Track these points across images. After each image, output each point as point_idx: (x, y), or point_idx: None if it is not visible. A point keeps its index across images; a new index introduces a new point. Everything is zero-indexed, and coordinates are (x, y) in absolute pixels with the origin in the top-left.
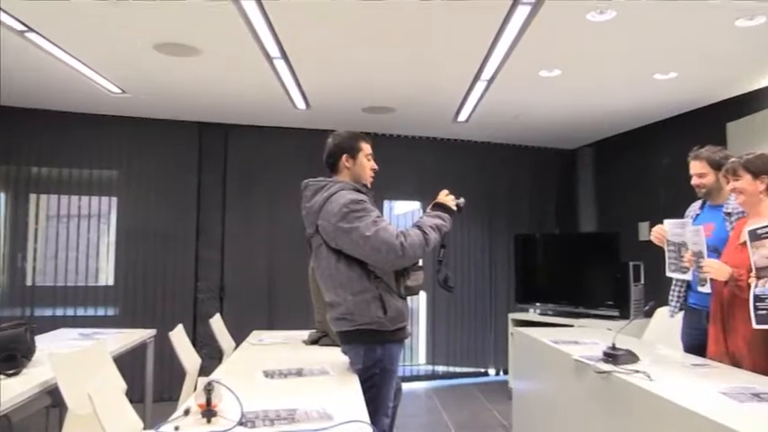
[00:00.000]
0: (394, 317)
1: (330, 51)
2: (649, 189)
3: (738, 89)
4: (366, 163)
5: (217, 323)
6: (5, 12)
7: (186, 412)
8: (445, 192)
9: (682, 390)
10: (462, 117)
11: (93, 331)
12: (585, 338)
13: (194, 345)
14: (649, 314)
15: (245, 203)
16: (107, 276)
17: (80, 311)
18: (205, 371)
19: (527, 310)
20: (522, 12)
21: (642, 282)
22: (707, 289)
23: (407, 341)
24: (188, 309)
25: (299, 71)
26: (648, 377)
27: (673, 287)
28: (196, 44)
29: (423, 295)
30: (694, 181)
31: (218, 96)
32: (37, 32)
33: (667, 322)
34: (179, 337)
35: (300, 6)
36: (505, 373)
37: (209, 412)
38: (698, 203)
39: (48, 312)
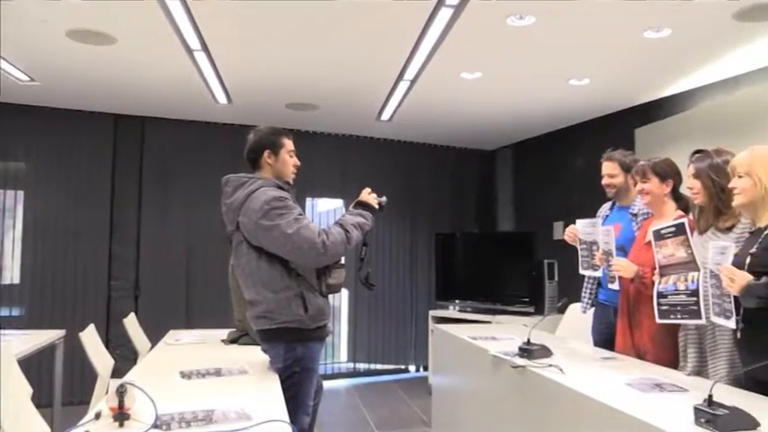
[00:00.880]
0: (315, 315)
1: (253, 45)
2: (564, 190)
3: (646, 97)
4: (288, 159)
5: (131, 323)
6: None
7: (97, 416)
8: (368, 190)
9: (591, 382)
10: (385, 116)
11: None
12: (502, 334)
13: (107, 346)
14: (562, 310)
15: (162, 199)
16: (12, 274)
17: None
18: (119, 372)
19: (447, 307)
20: (445, 14)
21: (556, 279)
22: (616, 286)
23: (329, 339)
24: (101, 308)
25: (220, 65)
26: (561, 371)
27: (585, 284)
28: (112, 32)
29: (344, 293)
30: (605, 181)
31: (134, 87)
32: None
33: (579, 318)
34: (90, 338)
35: None
36: (425, 369)
37: (121, 415)
38: (608, 204)
39: None
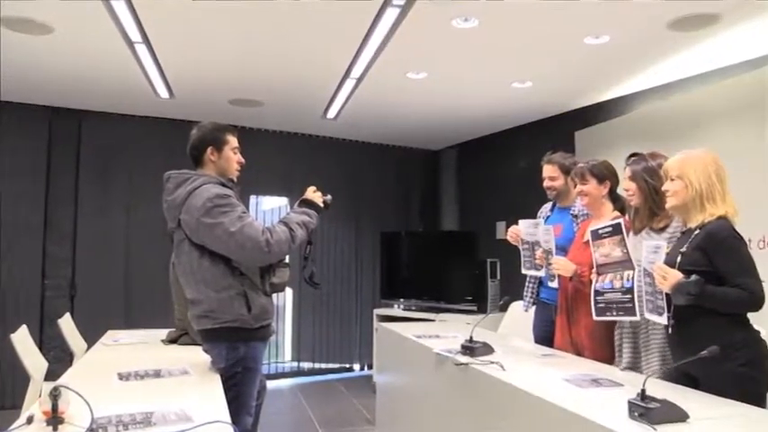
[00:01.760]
0: (258, 314)
1: (197, 39)
2: (507, 190)
3: (586, 101)
4: (232, 156)
5: (66, 323)
6: None
7: (29, 420)
8: (313, 188)
9: (531, 378)
10: (331, 114)
11: None
12: (446, 332)
13: (41, 347)
14: (504, 308)
15: (100, 195)
16: None
17: None
18: (53, 375)
19: (392, 306)
20: (391, 13)
21: (498, 278)
22: (555, 284)
23: (273, 338)
24: (34, 308)
25: (162, 58)
26: (502, 367)
27: (526, 283)
28: (48, 21)
29: (289, 292)
30: (546, 183)
31: (71, 80)
32: None
33: (521, 316)
34: (22, 340)
35: None
36: (370, 368)
37: (55, 419)
38: (548, 205)
39: None
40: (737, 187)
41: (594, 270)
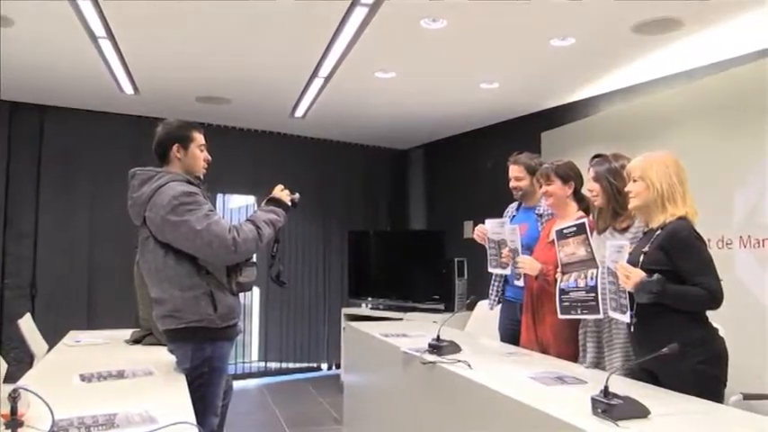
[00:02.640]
0: (225, 314)
1: (162, 34)
2: (474, 190)
3: (552, 102)
4: (198, 154)
5: (26, 324)
6: None
7: None
8: (280, 187)
9: (497, 376)
10: (299, 113)
11: None
12: (413, 331)
13: (0, 349)
14: (471, 307)
15: (63, 193)
16: None
17: None
18: (12, 377)
19: (359, 305)
20: (359, 12)
21: (466, 277)
22: (521, 283)
23: (239, 338)
24: None
25: (126, 53)
26: (469, 366)
27: (492, 282)
28: (9, 13)
29: (256, 291)
30: (512, 184)
31: (33, 74)
32: None
33: (487, 314)
34: None
35: None
36: (338, 367)
37: (14, 423)
38: (515, 205)
39: None
40: (698, 188)
41: (559, 269)
